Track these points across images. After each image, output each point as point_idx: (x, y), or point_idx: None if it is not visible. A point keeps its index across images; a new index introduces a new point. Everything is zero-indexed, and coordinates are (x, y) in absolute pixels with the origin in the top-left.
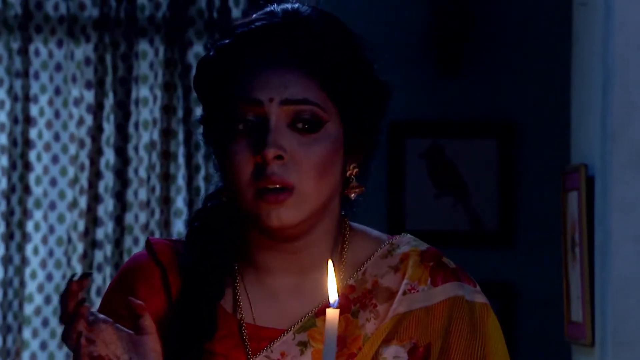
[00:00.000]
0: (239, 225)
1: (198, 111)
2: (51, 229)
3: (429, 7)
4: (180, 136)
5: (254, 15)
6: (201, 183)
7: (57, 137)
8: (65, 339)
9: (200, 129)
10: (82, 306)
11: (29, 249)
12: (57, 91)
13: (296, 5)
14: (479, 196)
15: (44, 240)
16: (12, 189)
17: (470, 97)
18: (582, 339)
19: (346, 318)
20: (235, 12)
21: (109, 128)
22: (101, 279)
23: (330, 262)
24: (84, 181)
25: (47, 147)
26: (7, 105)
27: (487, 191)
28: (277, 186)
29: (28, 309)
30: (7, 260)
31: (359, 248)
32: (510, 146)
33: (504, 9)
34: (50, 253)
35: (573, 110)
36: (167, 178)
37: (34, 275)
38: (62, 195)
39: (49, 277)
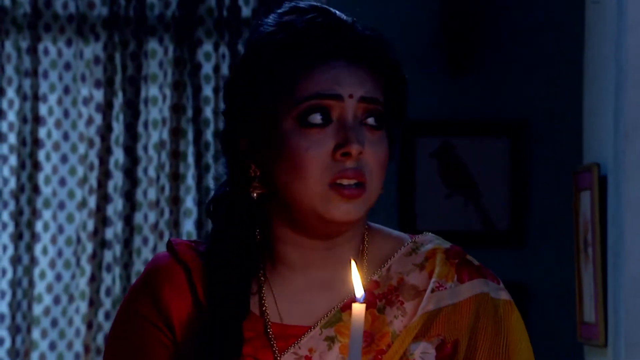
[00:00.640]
0: (268, 221)
1: (207, 110)
2: (60, 229)
3: (439, 6)
4: (190, 135)
5: (301, 5)
6: (211, 183)
7: (66, 137)
8: None
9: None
10: None
11: (38, 248)
12: (66, 90)
13: (322, 5)
14: (490, 195)
15: (53, 240)
16: (21, 188)
17: (481, 95)
18: (594, 339)
19: (372, 314)
20: (245, 11)
21: (118, 127)
22: (110, 279)
23: (353, 262)
24: (93, 181)
25: (56, 146)
26: (16, 105)
27: (498, 190)
28: (353, 182)
29: (37, 309)
30: (16, 260)
31: (380, 246)
32: (522, 145)
33: (515, 7)
34: (60, 253)
35: (585, 109)
36: (176, 177)
37: (43, 275)
38: (71, 194)
39: (58, 277)
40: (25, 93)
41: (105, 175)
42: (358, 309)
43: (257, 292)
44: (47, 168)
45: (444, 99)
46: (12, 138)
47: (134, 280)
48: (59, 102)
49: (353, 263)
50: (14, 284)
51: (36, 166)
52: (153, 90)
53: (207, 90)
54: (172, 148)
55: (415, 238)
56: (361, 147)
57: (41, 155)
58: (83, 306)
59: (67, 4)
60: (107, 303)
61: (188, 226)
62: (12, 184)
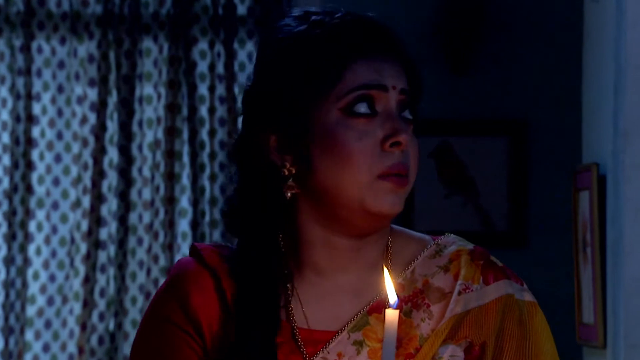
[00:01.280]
0: (296, 223)
1: (203, 110)
2: (54, 229)
3: (438, 5)
4: (185, 135)
5: (315, 9)
6: (206, 182)
7: (60, 136)
8: None
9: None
10: None
11: (31, 249)
12: (60, 89)
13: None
14: (489, 195)
15: (47, 241)
16: (14, 188)
17: (480, 95)
18: (593, 341)
19: (399, 317)
20: (241, 9)
21: (112, 126)
22: (105, 280)
23: (385, 269)
24: (87, 180)
25: (50, 145)
26: (9, 103)
27: (497, 190)
28: (401, 173)
29: (30, 311)
30: (9, 260)
31: (404, 248)
32: (521, 145)
33: (514, 6)
34: (53, 253)
35: (584, 108)
36: (171, 177)
37: (36, 276)
38: (65, 194)
39: (52, 278)
40: (18, 92)
41: (99, 174)
42: (391, 314)
43: (284, 296)
44: (40, 167)
45: (443, 99)
46: (5, 137)
47: (128, 281)
48: (53, 101)
49: (386, 270)
50: (7, 284)
51: (29, 166)
52: (148, 89)
53: (203, 89)
54: (167, 147)
55: (438, 240)
56: (408, 137)
57: (34, 154)
58: (77, 307)
59: (61, 2)
60: (101, 304)
61: (183, 226)
62: (5, 183)
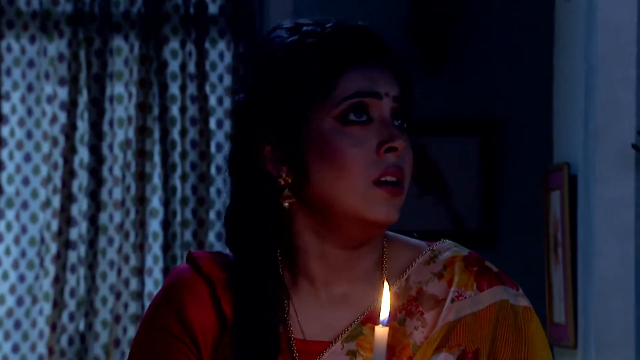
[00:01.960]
0: (291, 233)
1: (174, 109)
2: (24, 229)
3: (409, 5)
4: (156, 134)
5: (319, 22)
6: (177, 182)
7: (29, 135)
8: None
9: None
10: None
11: (0, 249)
12: (30, 88)
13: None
14: (460, 195)
15: (16, 241)
16: None
17: (452, 95)
18: (564, 340)
19: (393, 326)
20: (212, 8)
21: (83, 126)
22: (75, 280)
23: (386, 284)
24: (57, 180)
25: (20, 145)
26: None
27: (468, 190)
28: (395, 179)
29: (0, 311)
30: None
31: (399, 255)
32: (493, 145)
33: (486, 6)
34: (23, 254)
35: (556, 108)
36: (142, 177)
37: (5, 276)
38: (34, 194)
39: (21, 278)
40: None
41: (69, 174)
42: (380, 331)
43: (281, 308)
44: (10, 167)
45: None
46: None
47: (99, 281)
48: (22, 100)
49: (386, 285)
50: None
51: None
52: (118, 88)
53: (174, 88)
54: (138, 147)
55: (433, 246)
56: (404, 142)
57: (4, 154)
58: (47, 307)
59: (31, 0)
60: (71, 304)
61: (154, 226)
62: None
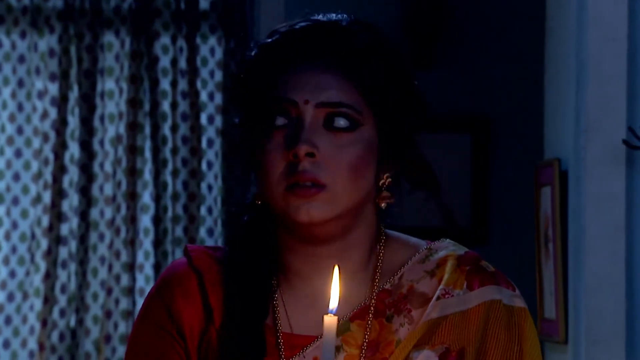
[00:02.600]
0: (275, 231)
1: (165, 104)
2: (14, 225)
3: (399, 1)
4: (147, 130)
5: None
6: (168, 178)
7: (20, 131)
8: None
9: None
10: None
11: None
12: (20, 83)
13: (338, 15)
14: (451, 191)
15: (7, 236)
16: None
17: (443, 91)
18: (555, 336)
19: (380, 322)
20: (203, 4)
21: (73, 121)
22: (66, 276)
23: (336, 268)
24: (48, 176)
25: (10, 140)
26: None
27: (459, 186)
28: (308, 183)
29: None
30: None
31: (396, 254)
32: (483, 141)
33: (477, 1)
34: (14, 249)
35: (546, 104)
36: (133, 173)
37: None
38: (25, 190)
39: (12, 274)
40: None
41: (60, 170)
42: (329, 321)
43: (270, 301)
44: (0, 162)
45: None
46: None
47: (89, 277)
48: (13, 95)
49: (336, 269)
50: None
51: None
52: (109, 84)
53: (165, 84)
54: (129, 142)
55: (431, 244)
56: (310, 147)
57: None
58: (38, 303)
59: None
60: (62, 300)
61: (145, 222)
62: None
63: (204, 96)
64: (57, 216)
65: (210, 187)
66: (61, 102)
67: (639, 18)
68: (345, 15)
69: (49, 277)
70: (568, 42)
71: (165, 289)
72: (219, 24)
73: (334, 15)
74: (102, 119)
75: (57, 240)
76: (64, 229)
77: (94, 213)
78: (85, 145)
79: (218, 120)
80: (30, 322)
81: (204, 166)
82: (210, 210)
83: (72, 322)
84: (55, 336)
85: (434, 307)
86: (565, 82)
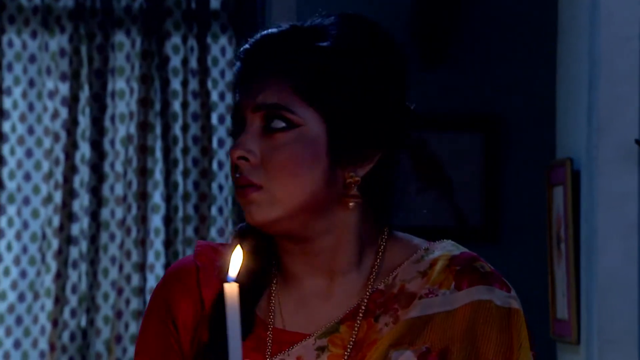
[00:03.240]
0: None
1: (176, 104)
2: (25, 225)
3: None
4: (158, 130)
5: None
6: (179, 178)
7: (31, 131)
8: None
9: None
10: None
11: (2, 245)
12: (31, 83)
13: (325, 19)
14: (463, 191)
15: (18, 236)
16: None
17: (455, 90)
18: (567, 336)
19: (369, 322)
20: (214, 3)
21: (84, 121)
22: (76, 276)
23: (238, 246)
24: (58, 176)
25: (21, 140)
26: None
27: (471, 186)
28: (245, 185)
29: (1, 307)
30: None
31: (395, 254)
32: (495, 140)
33: (488, 1)
34: (24, 249)
35: (559, 103)
36: (144, 172)
37: (7, 272)
38: (36, 190)
39: (23, 274)
40: None
41: (71, 170)
42: (229, 288)
43: (267, 298)
44: (11, 162)
45: (417, 93)
46: None
47: (100, 277)
48: (24, 95)
49: (238, 247)
50: None
51: (0, 161)
52: (120, 84)
53: (175, 84)
54: (140, 142)
55: (429, 245)
56: (243, 152)
57: (5, 149)
58: (48, 303)
59: None
60: (73, 300)
61: (156, 222)
62: None
63: (214, 96)
64: (68, 216)
65: (221, 187)
66: (72, 102)
67: None
68: (333, 17)
69: (60, 277)
70: (580, 41)
71: (166, 282)
72: (230, 23)
73: (319, 19)
74: (112, 118)
75: (67, 241)
76: (75, 229)
77: (105, 213)
78: (96, 145)
79: (229, 120)
80: (41, 322)
81: (214, 166)
82: (221, 211)
83: (83, 322)
84: (66, 336)
85: (415, 306)
86: (577, 81)
